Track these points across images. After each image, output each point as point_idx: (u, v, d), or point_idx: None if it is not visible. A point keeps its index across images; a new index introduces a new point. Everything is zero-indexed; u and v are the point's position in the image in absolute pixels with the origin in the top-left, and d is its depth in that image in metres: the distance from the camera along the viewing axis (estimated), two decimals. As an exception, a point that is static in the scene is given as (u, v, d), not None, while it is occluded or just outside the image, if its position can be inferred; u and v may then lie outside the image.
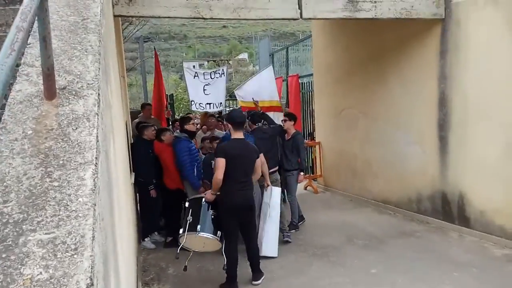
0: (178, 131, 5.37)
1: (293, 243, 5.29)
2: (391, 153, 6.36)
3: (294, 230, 5.68)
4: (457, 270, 4.21)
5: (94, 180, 1.33)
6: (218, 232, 4.02)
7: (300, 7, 4.65)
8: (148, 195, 5.38)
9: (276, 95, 7.37)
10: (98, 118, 1.60)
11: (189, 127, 5.34)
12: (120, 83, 4.20)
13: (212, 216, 4.04)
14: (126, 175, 3.65)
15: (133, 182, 5.10)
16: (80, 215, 1.22)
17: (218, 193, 4.00)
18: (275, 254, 4.84)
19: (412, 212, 6.10)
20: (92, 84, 1.75)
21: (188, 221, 3.98)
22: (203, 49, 50.13)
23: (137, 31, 11.27)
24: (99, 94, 1.71)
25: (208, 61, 41.82)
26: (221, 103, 7.12)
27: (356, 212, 6.69)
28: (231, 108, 11.41)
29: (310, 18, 4.89)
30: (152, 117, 7.29)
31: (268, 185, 4.90)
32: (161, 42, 43.99)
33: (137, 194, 5.64)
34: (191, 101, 7.01)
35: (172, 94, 12.58)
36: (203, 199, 4.08)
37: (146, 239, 5.53)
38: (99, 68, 1.87)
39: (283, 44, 12.44)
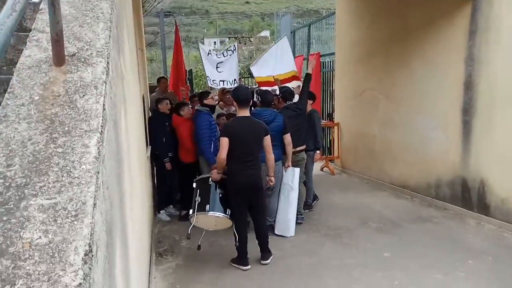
0: (199, 105, 5.34)
1: (307, 223, 5.27)
2: (412, 137, 6.19)
3: (308, 210, 5.67)
4: (472, 258, 4.11)
5: (98, 148, 1.32)
6: (228, 210, 3.99)
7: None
8: (163, 168, 5.44)
9: (293, 65, 7.23)
10: (106, 87, 1.57)
11: (208, 101, 5.31)
12: (137, 55, 4.17)
13: (220, 195, 4.02)
14: (141, 147, 3.67)
15: (149, 155, 5.16)
16: (82, 182, 1.20)
17: (223, 173, 3.97)
18: (292, 234, 4.86)
19: (430, 197, 5.97)
20: (101, 51, 1.71)
21: (197, 202, 3.98)
22: (225, 25, 49.60)
23: (158, 3, 11.17)
24: (108, 63, 1.68)
25: (229, 38, 41.45)
26: (235, 79, 7.13)
27: (372, 195, 6.60)
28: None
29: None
30: (170, 91, 7.29)
31: (288, 166, 4.81)
32: (182, 17, 43.71)
33: (154, 167, 5.71)
34: (207, 76, 7.05)
35: (191, 69, 12.53)
36: (210, 179, 4.07)
37: (161, 212, 5.62)
38: (109, 36, 1.83)
39: (306, 22, 12.12)
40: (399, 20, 6.21)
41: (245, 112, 3.97)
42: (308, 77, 5.32)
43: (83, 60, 1.66)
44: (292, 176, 4.86)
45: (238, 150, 3.84)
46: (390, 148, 6.72)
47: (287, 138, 4.66)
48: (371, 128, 7.16)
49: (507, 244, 4.46)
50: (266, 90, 5.63)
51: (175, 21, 8.53)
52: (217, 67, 7.05)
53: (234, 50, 7.25)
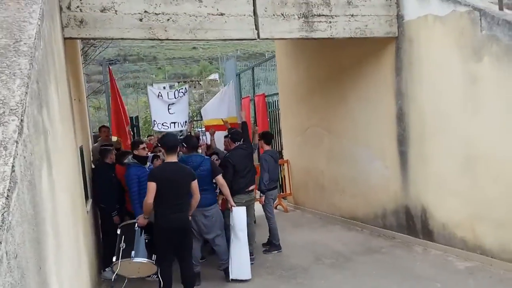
0: (130, 157, 5.08)
1: (262, 265, 5.18)
2: (355, 169, 6.41)
3: (276, 251, 5.61)
4: (422, 286, 4.20)
5: (3, 215, 1.21)
6: (153, 255, 4.07)
7: (257, 28, 4.68)
8: (111, 222, 5.13)
9: (234, 111, 7.39)
10: (18, 146, 1.48)
11: (138, 152, 5.02)
12: (72, 106, 4.04)
13: (146, 240, 4.14)
14: (77, 202, 3.46)
15: (92, 209, 4.88)
16: (-20, 255, 1.09)
17: (148, 218, 4.10)
18: (248, 276, 4.71)
19: (378, 227, 6.13)
20: (15, 109, 1.63)
21: (121, 248, 4.06)
22: (173, 71, 50.02)
23: (99, 53, 11.10)
24: (22, 120, 1.60)
25: (178, 82, 41.68)
26: (186, 121, 7.04)
27: (325, 230, 6.66)
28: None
29: (267, 38, 4.92)
30: (115, 138, 7.05)
31: (232, 206, 4.80)
32: (130, 64, 43.57)
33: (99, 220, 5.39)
34: (153, 121, 6.87)
35: (138, 116, 12.36)
36: (136, 224, 4.19)
37: (107, 269, 5.24)
38: (26, 93, 1.76)
39: (251, 64, 12.52)
40: (333, 61, 6.60)
41: (173, 158, 4.10)
42: (244, 125, 5.55)
43: (-7, 119, 1.57)
44: (239, 216, 4.79)
45: (166, 195, 3.92)
46: (337, 182, 6.90)
47: (219, 179, 4.70)
48: (318, 163, 7.34)
49: (452, 269, 4.61)
50: (189, 135, 5.73)
51: (108, 66, 8.47)
52: (168, 109, 6.92)
53: (185, 92, 7.20)
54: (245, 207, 4.93)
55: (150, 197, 3.88)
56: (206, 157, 4.89)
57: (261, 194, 5.62)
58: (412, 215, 5.51)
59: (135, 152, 5.02)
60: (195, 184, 4.11)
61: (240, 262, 4.74)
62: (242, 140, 5.26)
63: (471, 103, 4.58)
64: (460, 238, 4.87)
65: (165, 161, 4.21)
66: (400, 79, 5.47)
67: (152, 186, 3.86)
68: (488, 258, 4.54)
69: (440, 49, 4.89)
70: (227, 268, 4.76)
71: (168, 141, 4.17)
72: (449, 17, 4.75)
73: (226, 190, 4.74)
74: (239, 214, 4.81)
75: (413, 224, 5.52)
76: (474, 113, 4.56)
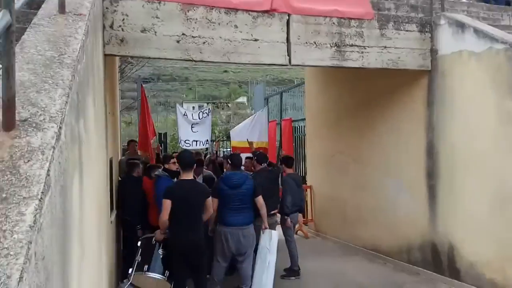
0: (160, 170, 5.27)
1: (280, 292, 5.09)
2: (381, 200, 6.26)
3: (294, 278, 5.51)
4: (446, 327, 3.99)
5: (35, 216, 1.27)
6: (166, 271, 4.09)
7: (289, 54, 4.76)
8: (133, 235, 5.21)
9: (265, 137, 7.50)
10: (54, 152, 1.56)
11: (169, 166, 5.23)
12: (106, 119, 4.19)
13: (162, 256, 4.15)
14: (101, 213, 3.55)
15: (115, 220, 4.97)
16: (11, 253, 1.14)
17: (164, 233, 4.12)
18: None
19: (402, 262, 5.91)
20: (55, 117, 1.72)
21: (137, 261, 4.11)
22: (204, 92, 51.11)
23: (136, 71, 11.55)
24: (60, 128, 1.68)
25: (207, 103, 42.57)
26: (207, 140, 7.38)
27: (345, 260, 6.49)
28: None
29: (298, 65, 5.01)
30: (141, 152, 7.29)
31: (265, 228, 4.74)
32: (162, 84, 44.90)
33: (122, 233, 5.48)
34: (179, 138, 7.21)
35: (166, 132, 12.74)
36: (153, 239, 4.23)
37: (124, 281, 5.27)
38: (66, 102, 1.85)
39: (279, 90, 12.70)
40: (363, 90, 6.58)
41: (188, 175, 4.17)
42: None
43: (34, 125, 1.66)
44: (269, 239, 4.72)
45: (180, 212, 3.94)
46: (361, 211, 6.75)
47: (259, 200, 4.63)
48: (342, 191, 7.23)
49: (480, 311, 4.37)
50: (235, 153, 5.73)
51: (141, 83, 8.88)
52: (192, 127, 7.30)
53: (208, 112, 7.64)
54: (277, 231, 4.89)
55: (165, 214, 3.91)
56: (250, 176, 4.83)
57: (286, 217, 5.56)
58: (438, 251, 5.30)
59: (166, 166, 5.21)
60: (209, 201, 4.15)
61: (261, 284, 4.61)
62: (268, 163, 5.28)
63: (505, 141, 4.44)
64: (489, 279, 4.62)
65: (181, 179, 4.23)
66: (431, 112, 5.38)
67: (167, 204, 3.90)
68: (520, 304, 4.28)
69: (475, 85, 4.81)
70: None
71: (184, 158, 4.25)
72: (485, 54, 4.69)
73: (265, 211, 4.68)
74: (272, 237, 4.72)
75: (439, 260, 5.29)
76: (508, 152, 4.41)
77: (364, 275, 5.66)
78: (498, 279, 4.53)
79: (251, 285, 4.64)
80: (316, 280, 5.49)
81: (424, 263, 5.55)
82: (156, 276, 4.09)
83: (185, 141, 7.09)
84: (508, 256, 4.41)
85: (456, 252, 5.04)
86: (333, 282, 5.35)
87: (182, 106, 8.33)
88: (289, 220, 5.56)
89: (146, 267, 4.06)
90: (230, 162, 4.91)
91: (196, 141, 7.17)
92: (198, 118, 7.33)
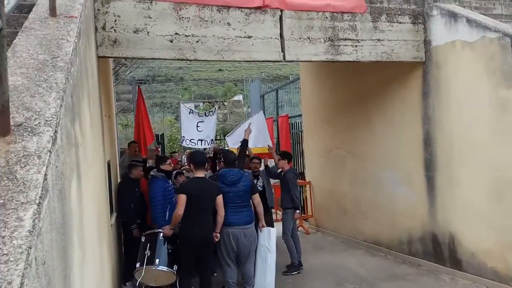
0: (155, 170, 5.25)
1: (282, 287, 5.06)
2: (380, 193, 6.28)
3: (296, 272, 5.50)
4: (449, 317, 4.01)
5: (34, 221, 1.25)
6: (175, 265, 4.27)
7: (283, 50, 4.75)
8: (131, 236, 5.20)
9: (269, 140, 7.33)
10: (51, 156, 1.55)
11: (165, 167, 5.20)
12: (102, 122, 4.17)
13: (169, 251, 4.32)
14: (100, 216, 3.53)
15: (115, 222, 4.96)
16: (11, 259, 1.13)
17: (173, 228, 4.28)
18: None
19: (403, 254, 5.93)
20: (50, 121, 1.70)
21: (146, 255, 4.25)
22: (199, 91, 51.03)
23: (130, 73, 11.50)
24: (56, 131, 1.67)
25: (203, 103, 42.45)
26: (212, 139, 7.23)
27: (347, 254, 6.50)
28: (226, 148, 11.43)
29: (292, 61, 4.99)
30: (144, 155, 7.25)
31: (263, 226, 4.70)
32: (157, 85, 44.77)
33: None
34: (182, 136, 7.07)
35: (163, 133, 12.65)
36: (161, 234, 4.37)
37: (127, 283, 5.27)
38: (61, 105, 1.84)
39: (275, 86, 12.67)
40: (358, 83, 6.58)
41: (200, 174, 4.34)
42: (244, 142, 5.48)
43: (29, 129, 1.64)
44: (268, 237, 4.68)
45: (192, 207, 4.08)
46: (360, 205, 6.76)
47: (256, 198, 4.63)
48: (341, 186, 7.23)
49: (482, 300, 4.39)
50: (228, 150, 5.72)
51: (138, 85, 8.80)
52: (197, 126, 7.19)
53: (214, 111, 7.51)
54: (274, 229, 4.87)
55: (180, 209, 4.06)
56: (246, 173, 4.77)
57: (297, 211, 5.63)
58: (439, 242, 5.31)
59: (162, 167, 5.18)
60: (220, 199, 4.26)
61: (265, 284, 4.58)
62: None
63: (501, 128, 4.45)
64: (490, 268, 4.64)
65: (194, 176, 4.39)
66: (427, 103, 5.39)
67: (182, 199, 4.07)
68: (522, 292, 4.31)
69: (469, 75, 4.82)
70: None
71: (196, 158, 4.45)
72: (478, 43, 4.69)
73: (261, 209, 4.67)
74: (271, 235, 4.68)
75: (440, 251, 5.31)
76: (504, 139, 4.42)
77: (366, 268, 5.67)
78: (499, 267, 4.55)
79: (253, 284, 4.60)
80: (318, 275, 5.50)
81: (425, 254, 5.57)
82: (165, 269, 4.26)
83: (190, 140, 6.98)
84: (508, 244, 4.42)
85: (457, 242, 5.06)
86: (335, 277, 5.35)
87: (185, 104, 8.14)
88: (297, 213, 5.62)
89: (157, 261, 4.23)
90: (223, 160, 4.89)
91: (201, 140, 7.08)
92: (204, 116, 7.25)
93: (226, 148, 6.02)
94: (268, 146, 6.37)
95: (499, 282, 4.55)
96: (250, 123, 7.30)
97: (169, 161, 5.37)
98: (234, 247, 4.39)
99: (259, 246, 4.69)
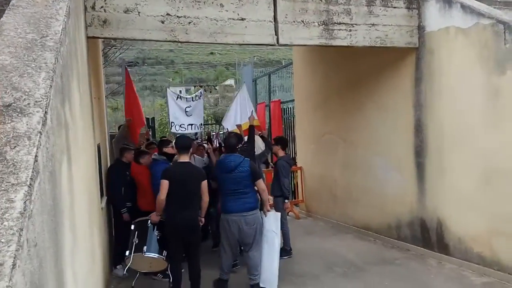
0: (156, 153, 5.25)
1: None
2: (370, 179, 6.33)
3: (287, 257, 5.54)
4: (435, 299, 4.11)
5: (25, 202, 1.23)
6: (164, 251, 4.28)
7: (276, 33, 4.69)
8: (121, 220, 5.19)
9: (254, 113, 7.29)
10: (41, 137, 1.51)
11: (167, 150, 5.21)
12: (92, 104, 4.10)
13: (158, 237, 4.33)
14: (93, 198, 3.51)
15: (106, 206, 4.94)
16: (2, 240, 1.11)
17: (160, 214, 4.27)
18: (275, 286, 4.47)
19: (392, 239, 6.03)
20: (40, 101, 1.66)
21: (134, 243, 4.27)
22: (190, 75, 50.43)
23: (119, 54, 11.27)
24: (46, 112, 1.63)
25: (195, 86, 42.01)
26: (201, 124, 7.26)
27: (337, 238, 6.59)
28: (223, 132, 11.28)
29: (286, 44, 4.93)
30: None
31: (268, 211, 4.54)
32: (148, 67, 44.12)
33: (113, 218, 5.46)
34: (171, 122, 7.01)
35: (154, 117, 12.53)
36: (149, 221, 4.37)
37: (118, 267, 5.28)
38: (51, 86, 1.79)
39: (267, 71, 12.56)
40: (351, 69, 6.56)
41: (185, 158, 4.27)
42: (251, 128, 5.40)
43: (19, 110, 1.60)
44: (275, 221, 4.55)
45: (176, 193, 4.07)
46: (351, 191, 6.82)
47: (260, 184, 4.40)
48: (332, 171, 7.28)
49: (468, 284, 4.50)
50: (229, 134, 5.54)
51: (125, 66, 8.66)
52: (185, 111, 7.19)
53: (200, 96, 7.53)
54: (279, 213, 4.82)
55: (163, 194, 4.05)
56: (246, 158, 4.50)
57: (285, 200, 5.59)
58: (427, 228, 5.41)
59: (165, 149, 5.23)
60: (204, 184, 4.22)
61: (272, 270, 4.46)
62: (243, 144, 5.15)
63: (492, 116, 4.49)
64: (476, 253, 4.75)
65: (178, 161, 4.35)
66: (419, 90, 5.40)
67: (165, 183, 4.04)
68: (506, 275, 4.41)
69: (462, 61, 4.82)
70: (257, 284, 4.38)
71: (180, 142, 4.39)
72: (472, 30, 4.69)
73: (266, 196, 4.52)
74: (274, 219, 4.56)
75: (428, 236, 5.41)
76: (495, 126, 4.46)
77: (355, 252, 5.76)
78: (485, 252, 4.65)
79: (258, 274, 4.39)
80: (308, 259, 5.56)
81: (413, 239, 5.67)
82: (154, 256, 4.27)
83: (180, 126, 6.97)
84: (495, 230, 4.52)
85: (445, 228, 5.16)
86: (325, 260, 5.43)
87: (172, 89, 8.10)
88: (287, 203, 5.61)
89: (145, 248, 4.24)
90: (223, 144, 4.87)
91: (191, 124, 7.12)
92: (192, 101, 7.23)
93: (232, 131, 5.76)
94: (252, 116, 6.17)
95: (484, 266, 4.66)
96: (238, 100, 7.21)
97: (170, 144, 5.34)
98: (235, 234, 4.28)
99: (265, 231, 4.51)
